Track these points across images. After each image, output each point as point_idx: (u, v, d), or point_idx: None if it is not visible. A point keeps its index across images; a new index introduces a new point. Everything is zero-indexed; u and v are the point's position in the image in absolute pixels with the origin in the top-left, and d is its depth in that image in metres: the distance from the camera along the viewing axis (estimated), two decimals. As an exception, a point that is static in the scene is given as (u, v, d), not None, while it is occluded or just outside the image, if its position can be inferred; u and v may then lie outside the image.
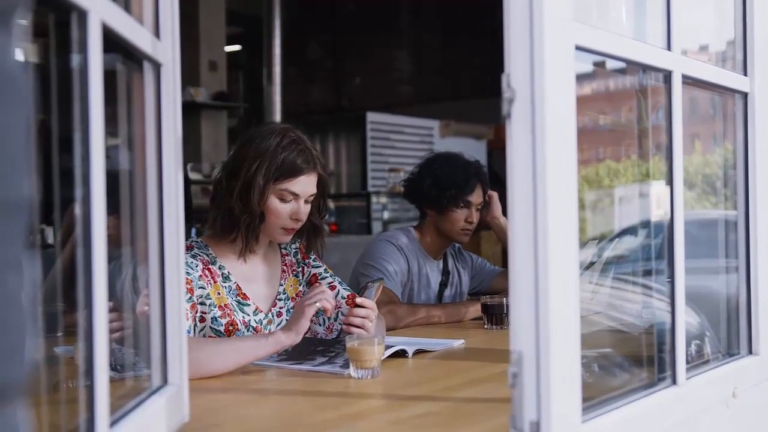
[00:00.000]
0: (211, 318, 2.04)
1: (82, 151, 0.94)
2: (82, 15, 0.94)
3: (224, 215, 2.10)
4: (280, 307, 2.21)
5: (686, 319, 1.47)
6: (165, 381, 1.30)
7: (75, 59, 0.96)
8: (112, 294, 1.02)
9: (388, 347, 1.95)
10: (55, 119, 0.98)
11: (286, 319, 2.18)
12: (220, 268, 2.12)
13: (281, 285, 2.23)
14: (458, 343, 2.25)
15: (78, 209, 0.96)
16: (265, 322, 2.15)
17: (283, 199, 2.08)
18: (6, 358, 0.53)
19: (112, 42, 1.04)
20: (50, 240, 2.15)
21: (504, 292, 2.83)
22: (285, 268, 2.27)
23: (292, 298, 2.24)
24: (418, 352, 2.08)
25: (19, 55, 0.56)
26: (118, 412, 1.09)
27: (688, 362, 1.47)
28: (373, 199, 7.27)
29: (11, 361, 0.53)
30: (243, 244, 2.12)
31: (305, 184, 2.09)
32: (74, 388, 1.22)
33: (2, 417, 0.52)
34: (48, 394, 1.11)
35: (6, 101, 0.52)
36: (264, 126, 2.18)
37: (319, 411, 1.54)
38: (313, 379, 1.80)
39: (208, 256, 2.12)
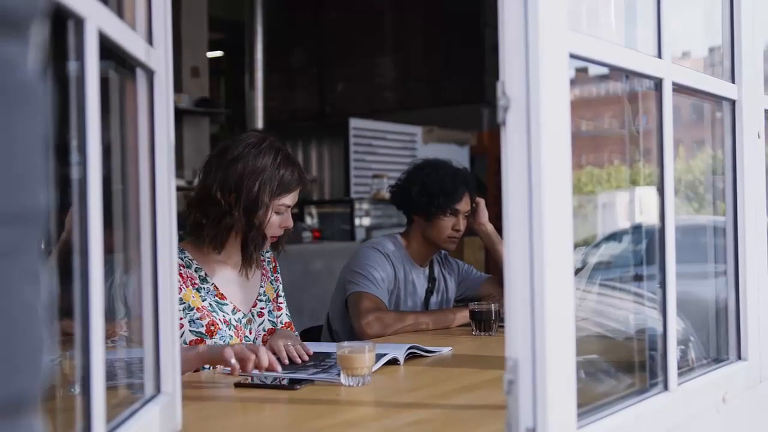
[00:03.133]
0: (190, 321, 2.09)
1: (79, 158, 0.94)
2: (79, 22, 0.93)
3: (222, 229, 2.11)
4: (261, 308, 2.28)
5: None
6: (158, 390, 1.29)
7: (71, 66, 0.95)
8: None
9: (379, 356, 1.94)
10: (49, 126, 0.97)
11: (268, 320, 2.28)
12: (196, 271, 2.16)
13: (261, 287, 2.30)
14: (446, 350, 2.25)
15: (74, 216, 0.95)
16: (244, 321, 2.21)
17: (278, 212, 2.19)
18: (24, 369, 0.52)
19: (106, 49, 1.04)
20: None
21: (490, 297, 2.83)
22: (264, 271, 2.34)
23: (272, 300, 2.32)
24: (410, 356, 2.08)
25: (35, 66, 0.56)
26: (112, 422, 1.08)
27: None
28: (357, 205, 7.24)
29: (29, 372, 0.52)
30: (249, 259, 2.19)
31: (296, 196, 2.23)
32: (65, 397, 1.21)
33: (21, 427, 0.52)
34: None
35: (24, 111, 0.52)
36: (245, 139, 2.20)
37: (311, 419, 1.53)
38: (305, 388, 1.79)
39: (182, 259, 2.15)
